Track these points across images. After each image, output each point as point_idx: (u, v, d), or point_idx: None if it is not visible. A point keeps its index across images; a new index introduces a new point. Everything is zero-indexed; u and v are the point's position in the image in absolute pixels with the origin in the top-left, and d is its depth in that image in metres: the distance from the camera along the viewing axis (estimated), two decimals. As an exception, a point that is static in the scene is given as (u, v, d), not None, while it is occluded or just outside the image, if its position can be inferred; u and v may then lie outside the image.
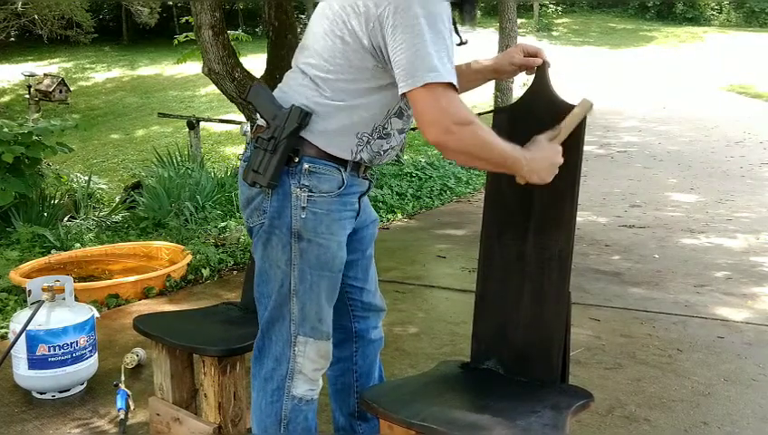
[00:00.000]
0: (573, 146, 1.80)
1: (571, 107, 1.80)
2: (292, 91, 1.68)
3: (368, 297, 1.99)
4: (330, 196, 1.68)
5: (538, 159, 1.65)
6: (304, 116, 1.62)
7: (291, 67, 1.79)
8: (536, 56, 1.82)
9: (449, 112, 1.50)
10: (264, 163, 1.64)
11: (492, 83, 9.93)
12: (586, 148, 1.82)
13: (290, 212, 1.66)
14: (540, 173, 1.65)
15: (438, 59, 1.49)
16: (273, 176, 1.63)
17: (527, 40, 18.15)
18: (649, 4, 26.26)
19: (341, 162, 1.68)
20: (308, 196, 1.65)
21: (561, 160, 1.68)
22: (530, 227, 1.84)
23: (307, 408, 1.81)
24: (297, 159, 1.64)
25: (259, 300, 1.80)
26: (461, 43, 1.70)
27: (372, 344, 2.04)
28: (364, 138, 1.68)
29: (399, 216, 5.91)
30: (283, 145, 1.62)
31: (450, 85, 1.51)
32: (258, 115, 1.73)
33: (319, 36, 1.66)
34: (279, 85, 1.76)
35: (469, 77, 1.88)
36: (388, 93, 1.65)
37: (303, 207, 1.66)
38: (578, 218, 1.81)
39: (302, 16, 21.26)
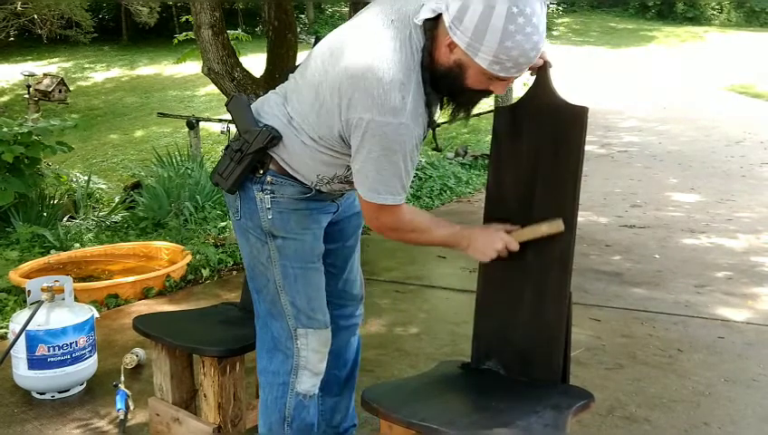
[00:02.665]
0: (574, 147, 1.80)
1: (572, 107, 1.80)
2: (270, 113, 1.75)
3: (344, 285, 2.05)
4: (292, 198, 1.75)
5: (479, 239, 1.77)
6: (271, 139, 1.70)
7: (290, 67, 1.85)
8: None
9: (380, 220, 1.70)
10: (228, 170, 1.74)
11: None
12: (587, 147, 1.82)
13: (258, 214, 1.76)
14: (476, 251, 1.77)
15: (385, 183, 1.61)
16: (234, 183, 1.74)
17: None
18: (650, 4, 26.24)
19: (304, 183, 1.77)
20: (271, 198, 1.74)
21: (501, 248, 1.75)
22: (530, 228, 1.84)
23: (309, 403, 1.88)
24: (262, 172, 1.74)
25: (253, 292, 1.90)
26: (436, 125, 1.76)
27: (345, 330, 2.09)
28: (324, 179, 1.76)
29: (399, 216, 5.90)
30: (248, 159, 1.72)
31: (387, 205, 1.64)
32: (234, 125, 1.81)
33: (307, 84, 1.69)
34: (261, 99, 1.82)
35: None
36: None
37: (269, 208, 1.75)
38: (578, 218, 1.81)
39: (302, 16, 21.31)
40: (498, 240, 1.75)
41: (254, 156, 1.71)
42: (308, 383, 1.86)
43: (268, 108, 1.77)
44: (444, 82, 1.58)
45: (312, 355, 1.84)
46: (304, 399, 1.86)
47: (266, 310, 1.86)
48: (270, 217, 1.75)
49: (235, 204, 1.80)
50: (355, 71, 1.56)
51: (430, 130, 1.71)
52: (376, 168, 1.59)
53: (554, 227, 1.75)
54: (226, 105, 1.81)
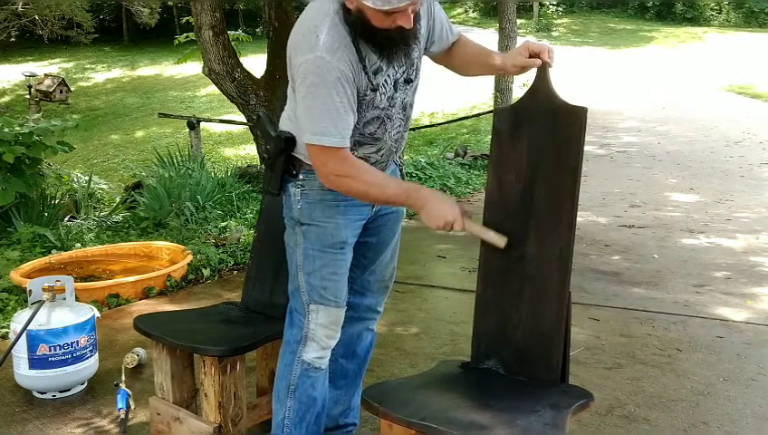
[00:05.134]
0: (573, 148, 1.81)
1: (571, 107, 1.82)
2: (282, 120, 1.97)
3: (369, 276, 2.15)
4: (321, 189, 1.89)
5: (435, 206, 1.80)
6: (285, 141, 1.90)
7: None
8: (539, 56, 1.85)
9: (327, 166, 1.79)
10: (267, 177, 2.00)
11: (491, 84, 9.95)
12: (586, 148, 1.83)
13: (292, 206, 1.96)
14: (428, 216, 1.80)
15: (317, 121, 1.73)
16: (275, 187, 1.96)
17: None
18: (649, 5, 26.25)
19: None
20: (301, 191, 1.93)
21: (450, 222, 1.79)
22: (530, 228, 1.85)
23: (315, 375, 1.99)
24: (295, 172, 1.93)
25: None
26: (408, 81, 1.88)
27: (359, 321, 2.17)
28: None
29: (399, 216, 5.91)
30: (278, 163, 1.93)
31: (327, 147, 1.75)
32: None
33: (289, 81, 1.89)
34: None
35: (481, 67, 2.03)
36: None
37: (299, 200, 1.94)
38: (578, 218, 1.82)
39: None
40: (451, 215, 1.79)
41: (278, 160, 1.91)
42: (313, 354, 1.97)
43: (282, 115, 1.96)
44: (358, 28, 1.74)
45: (320, 329, 1.96)
46: (309, 369, 1.97)
47: (290, 288, 2.02)
48: (299, 207, 1.94)
49: (283, 203, 2.00)
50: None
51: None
52: (306, 106, 1.75)
53: (498, 240, 1.84)
54: (256, 126, 1.93)
